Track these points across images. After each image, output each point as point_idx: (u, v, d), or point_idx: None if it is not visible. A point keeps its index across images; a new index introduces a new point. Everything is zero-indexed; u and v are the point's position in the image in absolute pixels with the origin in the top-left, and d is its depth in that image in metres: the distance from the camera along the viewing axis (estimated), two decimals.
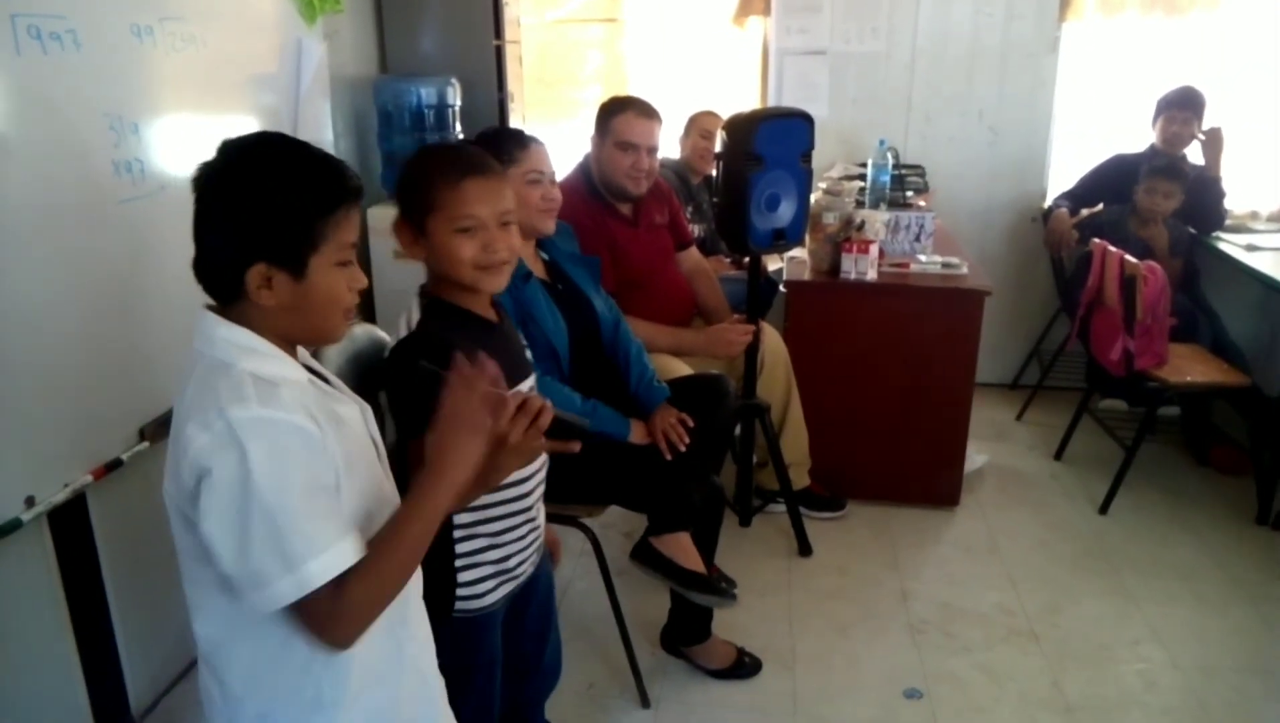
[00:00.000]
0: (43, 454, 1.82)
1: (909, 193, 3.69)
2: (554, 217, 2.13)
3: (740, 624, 2.48)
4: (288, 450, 1.01)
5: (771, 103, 4.01)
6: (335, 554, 1.01)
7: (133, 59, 2.02)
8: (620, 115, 2.54)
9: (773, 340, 2.95)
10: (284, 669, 1.11)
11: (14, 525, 1.74)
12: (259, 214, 1.07)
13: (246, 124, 2.47)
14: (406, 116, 3.07)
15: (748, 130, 2.51)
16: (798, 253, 3.13)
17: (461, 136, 3.17)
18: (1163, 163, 3.49)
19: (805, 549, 2.90)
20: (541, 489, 1.55)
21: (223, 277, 1.10)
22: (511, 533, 1.50)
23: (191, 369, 1.09)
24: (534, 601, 1.63)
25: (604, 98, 2.73)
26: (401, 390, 1.40)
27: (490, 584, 1.50)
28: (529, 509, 1.51)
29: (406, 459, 1.36)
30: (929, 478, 3.13)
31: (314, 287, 1.08)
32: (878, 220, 2.99)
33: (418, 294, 1.49)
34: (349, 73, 3.15)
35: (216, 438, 0.99)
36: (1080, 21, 3.82)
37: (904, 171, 3.73)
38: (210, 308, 1.12)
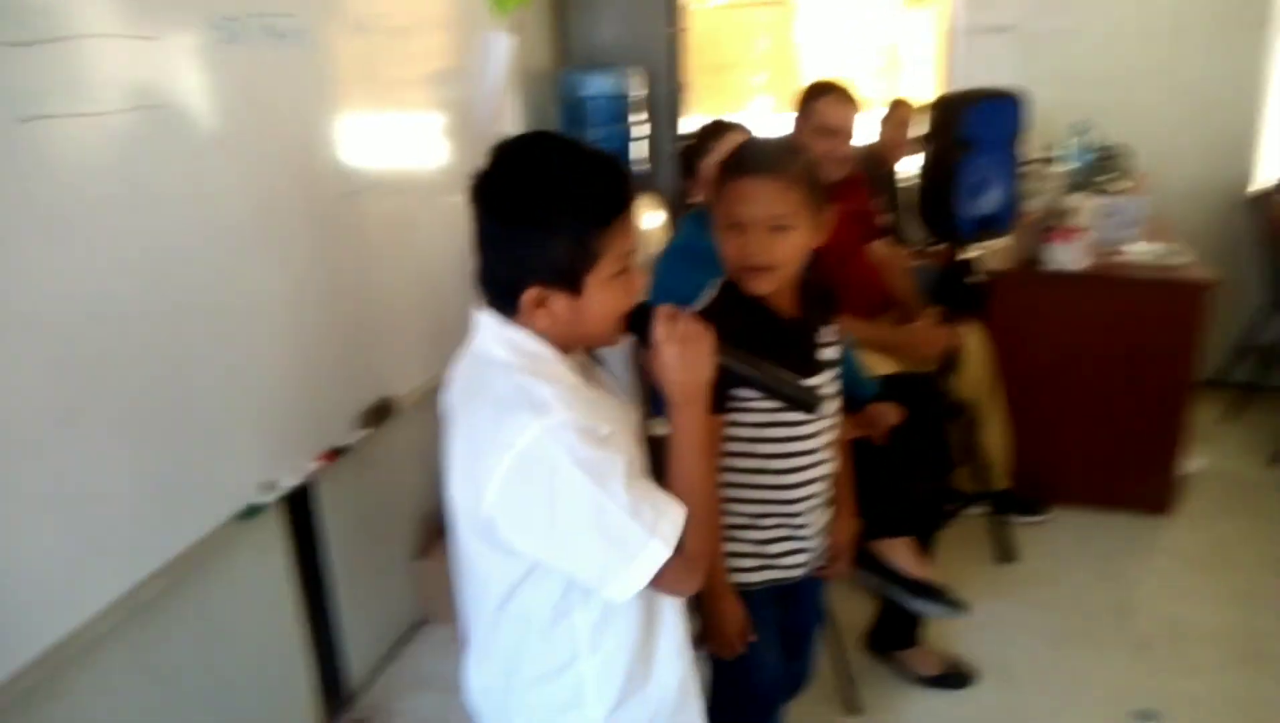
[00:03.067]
0: (277, 442, 1.88)
1: (1110, 176, 3.45)
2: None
3: (944, 633, 2.35)
4: (593, 443, 1.00)
5: (956, 85, 3.82)
6: (673, 515, 1.03)
7: (348, 54, 2.06)
8: (823, 99, 2.44)
9: (973, 336, 2.80)
10: (560, 670, 1.12)
11: (255, 510, 1.80)
12: (534, 237, 1.03)
13: (443, 118, 2.50)
14: (589, 109, 3.06)
15: (957, 112, 2.38)
16: (997, 242, 2.95)
17: (648, 128, 3.14)
18: None
19: (1007, 556, 2.74)
20: (819, 490, 1.49)
21: (500, 292, 1.08)
22: (772, 520, 1.46)
23: (477, 380, 1.09)
24: (801, 603, 1.58)
25: (773, 84, 2.64)
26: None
27: (749, 563, 1.47)
28: (794, 502, 1.46)
29: None
30: (1140, 482, 2.91)
31: (590, 302, 1.05)
32: (1086, 206, 2.80)
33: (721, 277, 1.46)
34: (529, 65, 3.16)
35: (528, 450, 0.99)
36: None
37: (1103, 154, 3.49)
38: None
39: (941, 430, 2.49)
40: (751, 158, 1.42)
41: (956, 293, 2.65)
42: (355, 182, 2.10)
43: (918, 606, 1.98)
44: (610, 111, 3.05)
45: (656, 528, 1.01)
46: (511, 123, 2.85)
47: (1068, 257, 2.74)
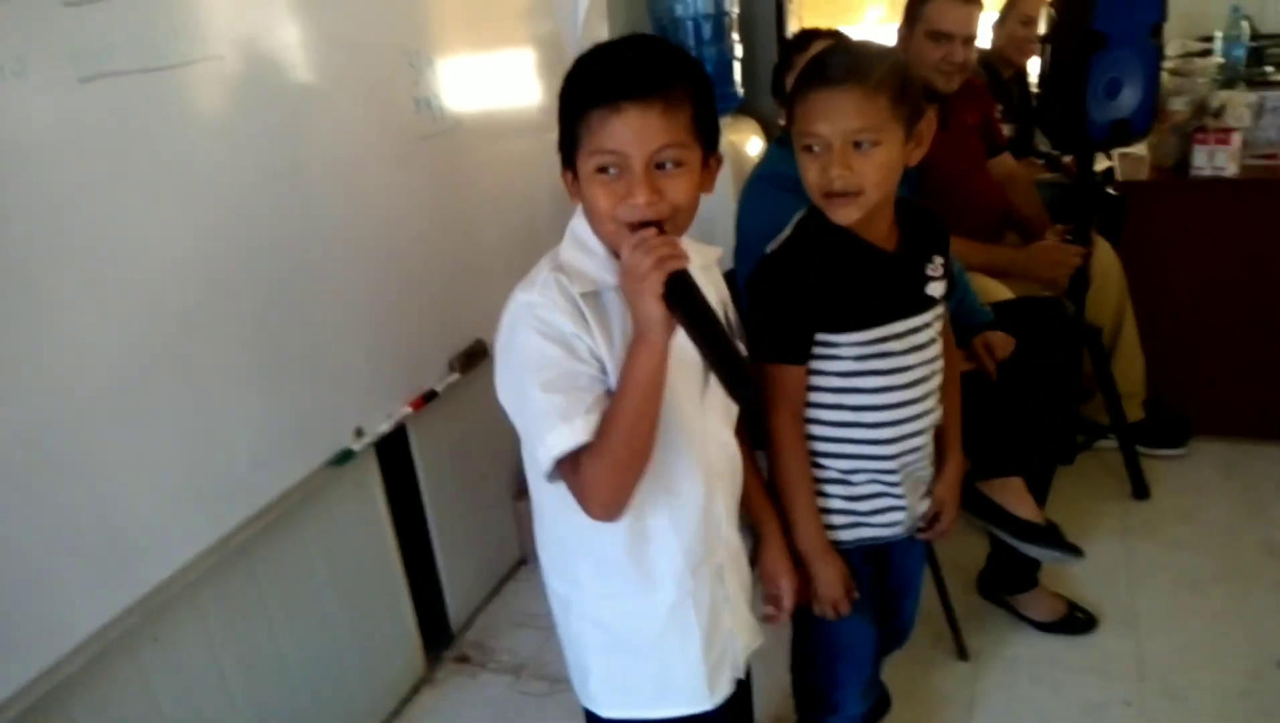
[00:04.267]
0: (367, 389, 1.90)
1: (1269, 69, 3.06)
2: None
3: (1069, 575, 2.20)
4: (543, 335, 1.01)
5: None
6: (560, 435, 0.99)
7: None
8: (936, 1, 2.23)
9: (1103, 252, 2.56)
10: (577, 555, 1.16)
11: (347, 455, 1.83)
12: (562, 117, 1.05)
13: (529, 55, 2.44)
14: (682, 30, 2.92)
15: (1087, 2, 2.12)
16: (1133, 149, 2.67)
17: (740, 49, 2.98)
18: None
19: (1141, 492, 2.54)
20: (920, 443, 1.37)
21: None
22: (863, 476, 1.35)
23: None
24: (897, 564, 1.48)
25: None
26: (753, 304, 1.32)
27: (839, 520, 1.37)
28: (889, 458, 1.34)
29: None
30: None
31: (583, 190, 1.04)
32: (1240, 103, 2.49)
33: (804, 208, 1.34)
34: None
35: (508, 318, 1.06)
36: None
37: (1263, 44, 3.10)
38: None
39: (1071, 358, 2.30)
40: (826, 65, 1.24)
41: (1082, 206, 2.41)
42: (447, 121, 2.08)
43: (1028, 550, 1.85)
44: (703, 31, 2.90)
45: (543, 437, 1.00)
46: None
47: (1220, 161, 2.45)
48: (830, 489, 1.36)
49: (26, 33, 1.22)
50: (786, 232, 1.34)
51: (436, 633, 2.22)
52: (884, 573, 1.46)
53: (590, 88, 0.99)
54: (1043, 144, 3.15)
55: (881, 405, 1.31)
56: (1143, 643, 2.05)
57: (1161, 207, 2.60)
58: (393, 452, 2.05)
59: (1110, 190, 2.71)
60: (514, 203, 2.37)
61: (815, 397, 1.32)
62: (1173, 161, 2.60)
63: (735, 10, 2.94)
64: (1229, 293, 2.58)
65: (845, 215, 1.25)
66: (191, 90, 1.47)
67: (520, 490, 2.52)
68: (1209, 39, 3.06)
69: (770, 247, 1.34)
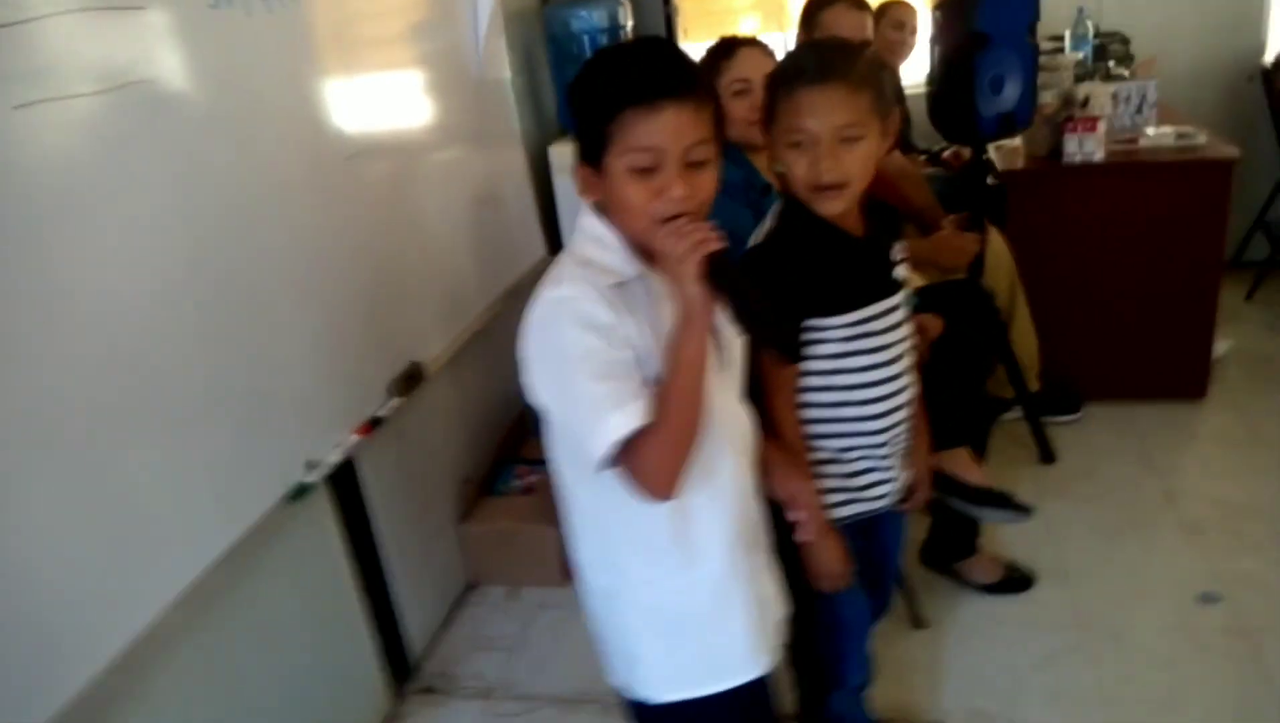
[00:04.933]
0: (316, 418, 1.83)
1: (1111, 63, 3.37)
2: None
3: (997, 539, 2.34)
4: (583, 326, 1.03)
5: None
6: (618, 419, 1.01)
7: (333, 13, 1.95)
8: (831, 8, 2.36)
9: (994, 239, 2.74)
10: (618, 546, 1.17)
11: (302, 490, 1.76)
12: (574, 110, 1.09)
13: (434, 70, 2.40)
14: (575, 45, 2.95)
15: (969, 7, 2.29)
16: (1006, 141, 2.88)
17: None
18: None
19: (1048, 456, 2.73)
20: (903, 416, 1.44)
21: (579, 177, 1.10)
22: (855, 452, 1.41)
23: None
24: (881, 534, 1.54)
25: (759, 2, 2.54)
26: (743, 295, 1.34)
27: (836, 498, 1.43)
28: (878, 433, 1.41)
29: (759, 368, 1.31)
30: (1172, 370, 2.90)
31: (612, 189, 1.05)
32: (1103, 94, 2.73)
33: (779, 201, 1.39)
34: (511, 6, 3.04)
35: (538, 317, 1.07)
36: None
37: (1104, 41, 3.40)
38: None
39: (991, 334, 2.45)
40: (810, 64, 1.30)
41: (975, 196, 2.59)
42: (354, 145, 2.02)
43: (983, 514, 1.96)
44: (599, 45, 2.94)
45: (600, 424, 1.01)
46: (505, 65, 2.75)
47: (1089, 147, 2.68)
48: (825, 469, 1.41)
49: None
50: (767, 224, 1.39)
51: (397, 665, 2.14)
52: (870, 545, 1.53)
53: (626, 89, 1.01)
54: (920, 140, 3.35)
55: (868, 382, 1.38)
56: (1076, 593, 2.21)
57: (1040, 192, 2.81)
58: (341, 484, 1.98)
59: (991, 180, 2.91)
60: (430, 221, 2.33)
61: (806, 381, 1.37)
62: (1046, 150, 2.82)
63: (629, 24, 2.99)
64: (1107, 267, 2.81)
65: (833, 207, 1.31)
66: (121, 117, 1.39)
67: (464, 513, 2.48)
68: (1059, 38, 3.33)
69: (753, 240, 1.38)
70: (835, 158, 1.26)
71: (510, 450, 2.73)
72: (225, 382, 1.57)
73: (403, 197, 2.21)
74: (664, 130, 0.99)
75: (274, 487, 1.70)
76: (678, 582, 1.15)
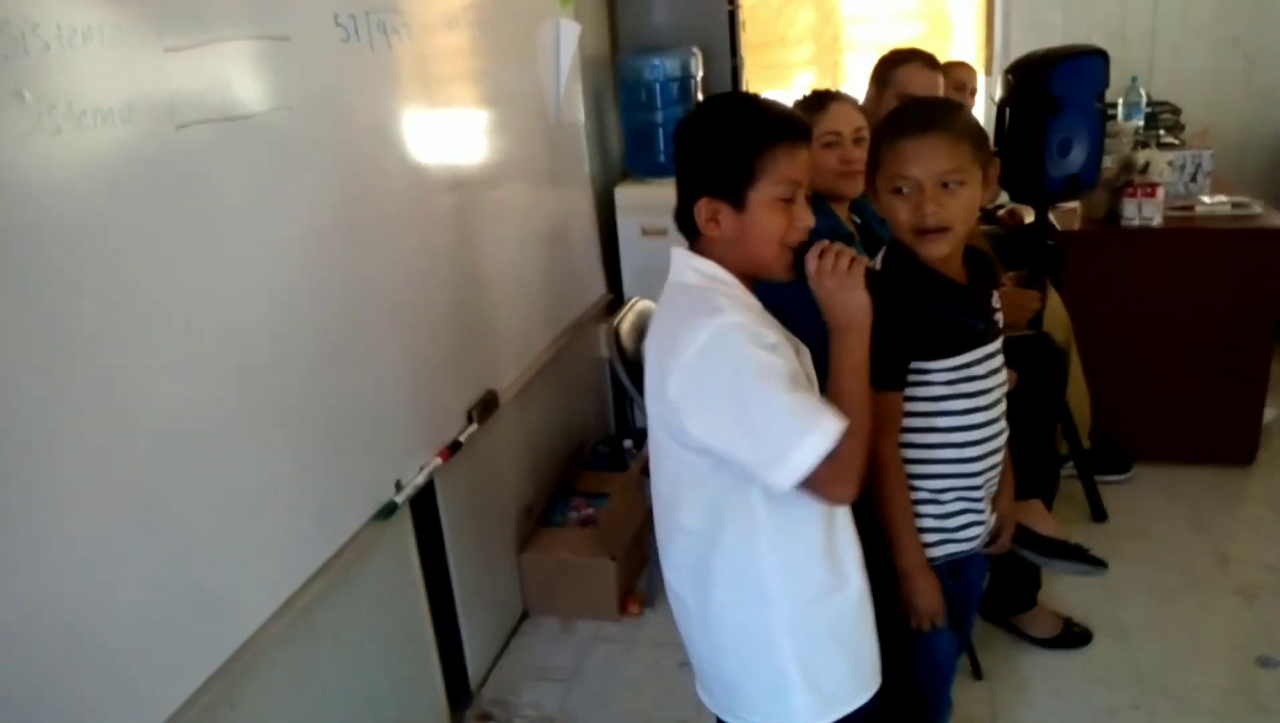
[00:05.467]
0: (404, 439, 1.88)
1: (1162, 131, 3.44)
2: (858, 179, 2.05)
3: (1054, 594, 2.36)
4: (761, 347, 1.11)
5: (999, 46, 3.82)
6: (831, 420, 1.10)
7: (440, 50, 2.04)
8: (906, 66, 2.43)
9: (1051, 297, 2.79)
10: (760, 570, 1.20)
11: (391, 508, 1.80)
12: (701, 152, 1.19)
13: (517, 110, 2.48)
14: (646, 92, 3.04)
15: (1043, 71, 2.36)
16: (1067, 203, 2.94)
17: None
18: None
19: (1100, 514, 2.75)
20: (998, 460, 1.49)
21: (684, 215, 1.22)
22: (952, 494, 1.45)
23: (667, 301, 1.24)
24: (967, 575, 1.57)
25: (816, 57, 2.62)
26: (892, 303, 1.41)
27: (931, 538, 1.46)
28: (975, 476, 1.45)
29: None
30: (1222, 434, 2.92)
31: (753, 220, 1.17)
32: (1162, 161, 2.79)
33: (885, 247, 1.46)
34: (586, 53, 3.14)
35: (706, 346, 1.11)
36: None
37: (1156, 109, 3.48)
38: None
39: (1059, 388, 2.49)
40: (915, 115, 1.39)
41: (1037, 254, 2.64)
42: (449, 178, 2.10)
43: (1061, 566, 1.98)
44: (669, 93, 3.02)
45: (812, 429, 1.08)
46: (579, 108, 2.84)
47: (1148, 212, 2.73)
48: (923, 509, 1.45)
49: (134, 78, 1.21)
50: (876, 264, 1.43)
51: (457, 689, 2.16)
52: (957, 585, 1.55)
53: (777, 129, 1.16)
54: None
55: (969, 426, 1.42)
56: (1134, 651, 2.22)
57: (1097, 254, 2.86)
58: (419, 506, 2.02)
59: (1049, 241, 2.96)
60: (509, 254, 2.40)
61: (908, 421, 1.41)
62: (1104, 213, 2.87)
63: (699, 74, 3.08)
64: (1161, 330, 2.85)
65: (937, 250, 1.37)
66: (261, 142, 1.45)
67: (523, 542, 2.51)
68: (1113, 105, 3.41)
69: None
70: (938, 203, 1.33)
71: (567, 483, 2.76)
72: (328, 401, 1.62)
73: (485, 230, 2.28)
74: (803, 166, 1.16)
75: (367, 504, 1.75)
76: (834, 602, 1.21)
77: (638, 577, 2.57)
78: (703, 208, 1.17)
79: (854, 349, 1.17)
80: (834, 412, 1.11)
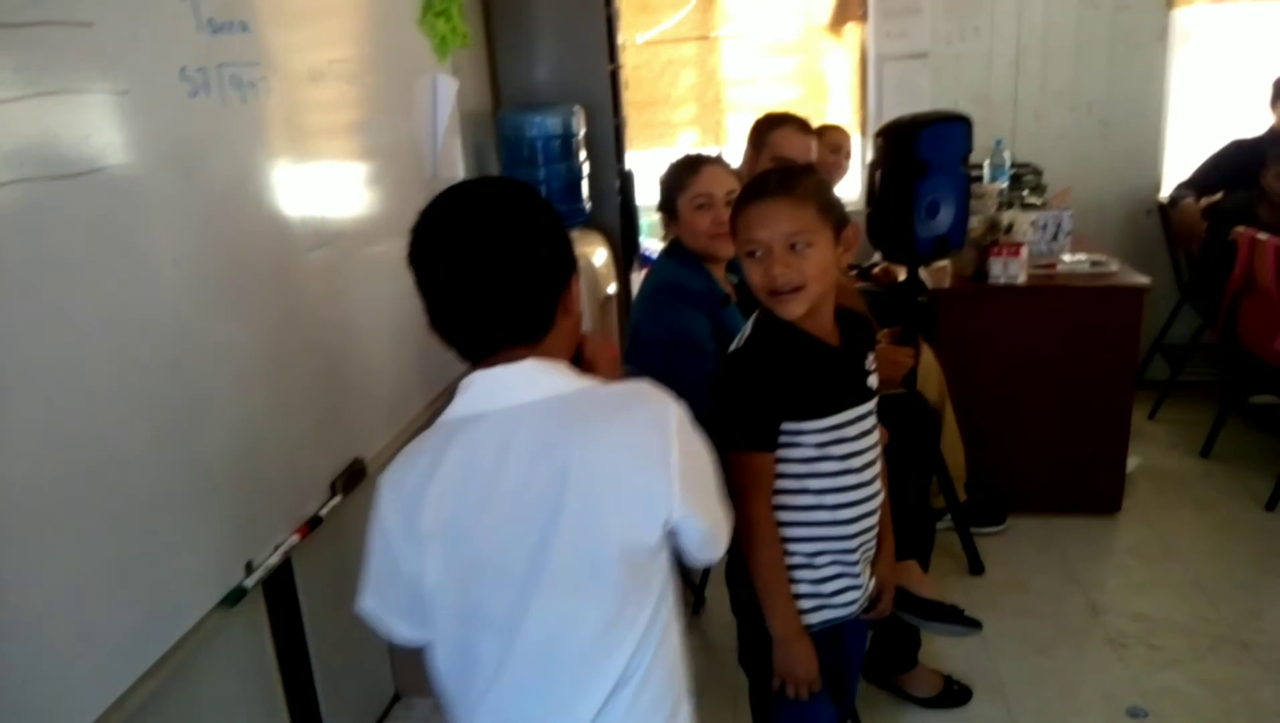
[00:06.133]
0: (255, 517, 1.75)
1: (1025, 192, 3.60)
2: (731, 240, 2.06)
3: (934, 651, 2.37)
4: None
5: (872, 109, 3.95)
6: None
7: (301, 103, 1.96)
8: (779, 130, 2.48)
9: (925, 353, 2.86)
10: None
11: (239, 593, 1.67)
12: (561, 241, 1.09)
13: (390, 164, 2.41)
14: (528, 148, 3.01)
15: (910, 136, 2.43)
16: (937, 261, 3.03)
17: (587, 166, 3.11)
18: None
19: (977, 568, 2.79)
20: (872, 523, 1.48)
21: (536, 314, 1.07)
22: (826, 557, 1.44)
23: (541, 420, 1.04)
24: (847, 642, 1.54)
25: (699, 116, 2.66)
26: (722, 399, 1.40)
27: (807, 603, 1.45)
28: (849, 538, 1.44)
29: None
30: (1089, 484, 3.03)
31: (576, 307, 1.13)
32: (1025, 222, 2.91)
33: (757, 310, 1.46)
34: (465, 107, 3.09)
35: (684, 431, 1.04)
36: (1189, 8, 3.73)
37: (1019, 171, 3.65)
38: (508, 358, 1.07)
39: (932, 446, 2.52)
40: (760, 183, 1.43)
41: (910, 312, 2.70)
42: (312, 237, 1.99)
43: (938, 628, 1.99)
44: (552, 150, 3.00)
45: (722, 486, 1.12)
46: (459, 164, 2.78)
47: (1013, 271, 2.83)
48: (797, 574, 1.44)
49: None
50: (746, 331, 1.44)
51: None
52: (836, 653, 1.53)
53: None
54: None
55: (841, 487, 1.42)
56: (1012, 707, 2.24)
57: (966, 310, 2.95)
58: (278, 588, 1.88)
59: (922, 297, 3.04)
60: (379, 314, 2.31)
61: (780, 483, 1.41)
62: (972, 271, 2.97)
63: (582, 132, 3.07)
64: (1028, 383, 2.95)
65: (791, 310, 1.38)
66: (92, 200, 1.35)
67: None
68: (978, 166, 3.55)
69: (733, 346, 1.43)
70: (785, 264, 1.35)
71: None
72: (166, 476, 1.50)
73: (356, 288, 2.18)
74: None
75: (211, 591, 1.61)
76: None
77: None
78: (569, 292, 1.11)
79: None
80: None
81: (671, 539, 1.08)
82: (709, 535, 1.09)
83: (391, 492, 1.11)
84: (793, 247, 1.35)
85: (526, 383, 1.05)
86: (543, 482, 1.02)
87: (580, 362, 1.18)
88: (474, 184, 1.16)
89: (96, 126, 1.36)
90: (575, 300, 1.11)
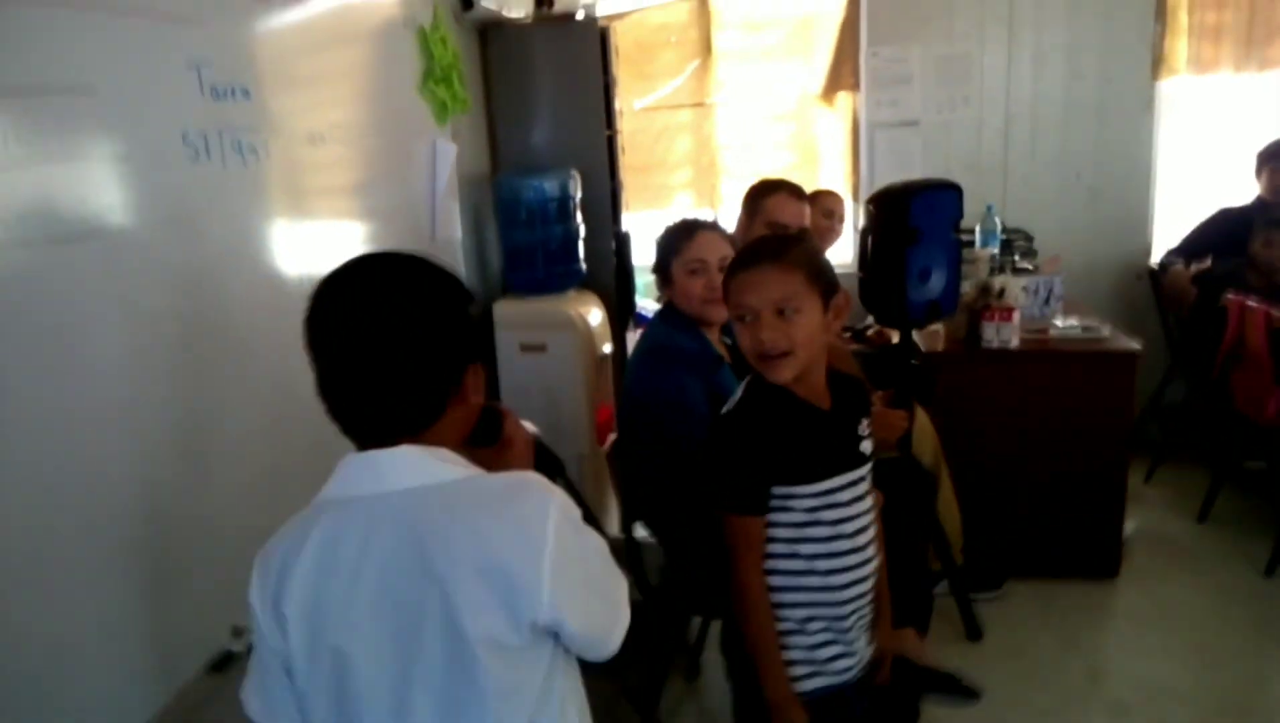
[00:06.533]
0: (242, 579, 1.73)
1: (1016, 257, 3.65)
2: (724, 304, 2.08)
3: (934, 718, 2.32)
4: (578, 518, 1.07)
5: (864, 177, 4.02)
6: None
7: (302, 166, 1.99)
8: (773, 196, 2.52)
9: (919, 416, 2.86)
10: None
11: (227, 659, 1.65)
12: (464, 320, 1.06)
13: (391, 226, 2.44)
14: (525, 211, 3.05)
15: (902, 204, 2.46)
16: (932, 325, 3.05)
17: (583, 229, 3.15)
18: (1278, 214, 3.45)
19: (974, 633, 2.76)
20: (867, 588, 1.48)
21: (431, 397, 1.04)
22: (818, 623, 1.43)
23: (410, 516, 0.99)
24: (850, 713, 1.51)
25: (695, 180, 2.71)
26: (713, 462, 1.42)
27: (800, 670, 1.44)
28: (841, 604, 1.43)
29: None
30: (1087, 549, 3.01)
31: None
32: (1016, 287, 2.94)
33: (750, 375, 1.47)
34: (465, 171, 3.15)
35: (562, 534, 1.00)
36: (1174, 79, 3.82)
37: (1010, 236, 3.69)
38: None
39: (929, 510, 2.52)
40: (750, 250, 1.46)
41: (903, 375, 2.71)
42: (305, 296, 2.01)
43: (938, 698, 1.96)
44: (549, 212, 3.04)
45: (622, 586, 1.11)
46: (457, 226, 2.82)
47: (1006, 335, 2.85)
48: (790, 640, 1.43)
49: None
50: (738, 395, 1.45)
51: None
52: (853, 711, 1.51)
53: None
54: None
55: (832, 553, 1.42)
56: None
57: (960, 374, 2.96)
58: None
59: (915, 361, 3.05)
60: None
61: (772, 547, 1.41)
62: (964, 334, 2.99)
63: (578, 195, 3.11)
64: (1023, 447, 2.94)
65: (779, 374, 1.39)
66: (95, 261, 1.36)
67: None
68: (970, 231, 3.60)
69: (725, 408, 1.44)
70: (774, 329, 1.37)
71: None
72: (154, 537, 1.49)
73: None
74: None
75: (196, 655, 1.60)
76: None
77: None
78: (473, 372, 1.08)
79: None
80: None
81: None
82: (588, 640, 1.05)
83: (259, 568, 1.07)
84: (780, 312, 1.37)
85: (400, 469, 1.01)
86: (405, 576, 0.98)
87: (495, 439, 1.17)
88: (379, 260, 1.08)
89: (97, 190, 1.38)
90: (472, 391, 1.07)
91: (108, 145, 1.41)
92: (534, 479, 1.06)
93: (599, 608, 1.06)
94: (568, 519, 1.02)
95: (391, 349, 1.01)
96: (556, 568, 0.97)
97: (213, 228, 1.66)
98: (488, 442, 1.16)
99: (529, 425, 1.24)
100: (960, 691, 1.97)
